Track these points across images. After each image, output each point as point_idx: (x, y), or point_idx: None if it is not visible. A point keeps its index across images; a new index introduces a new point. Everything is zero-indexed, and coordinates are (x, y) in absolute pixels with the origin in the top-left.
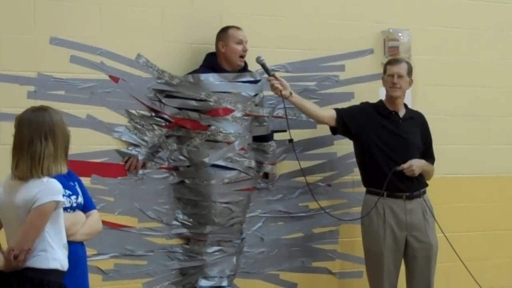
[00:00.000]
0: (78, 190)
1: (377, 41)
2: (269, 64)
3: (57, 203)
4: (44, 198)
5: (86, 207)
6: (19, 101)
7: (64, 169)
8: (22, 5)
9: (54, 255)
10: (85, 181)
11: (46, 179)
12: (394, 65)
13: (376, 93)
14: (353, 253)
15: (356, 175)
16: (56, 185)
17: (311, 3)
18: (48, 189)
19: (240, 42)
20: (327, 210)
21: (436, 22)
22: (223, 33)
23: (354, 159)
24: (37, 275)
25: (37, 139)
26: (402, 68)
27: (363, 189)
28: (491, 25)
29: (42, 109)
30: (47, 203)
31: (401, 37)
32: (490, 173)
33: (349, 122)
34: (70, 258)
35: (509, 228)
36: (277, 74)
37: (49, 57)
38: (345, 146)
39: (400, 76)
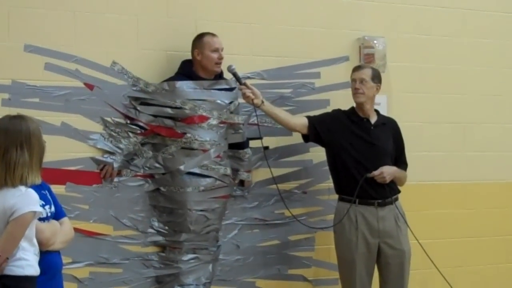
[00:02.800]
0: (50, 198)
1: (353, 49)
2: (244, 72)
3: (35, 213)
4: (23, 209)
5: (57, 215)
6: None
7: (38, 180)
8: None
9: (29, 262)
10: (60, 188)
11: (23, 188)
12: (356, 71)
13: (351, 100)
14: (329, 260)
15: (331, 182)
16: (34, 195)
17: (286, 10)
18: (26, 199)
19: (216, 50)
20: (302, 218)
21: (411, 29)
22: (199, 41)
23: None
24: (12, 283)
25: (12, 147)
26: (364, 74)
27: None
28: (466, 32)
29: (20, 117)
30: (26, 213)
31: (376, 45)
32: (465, 180)
33: (320, 129)
34: (50, 267)
35: (484, 235)
36: (252, 81)
37: (24, 65)
38: (320, 153)
39: (362, 82)
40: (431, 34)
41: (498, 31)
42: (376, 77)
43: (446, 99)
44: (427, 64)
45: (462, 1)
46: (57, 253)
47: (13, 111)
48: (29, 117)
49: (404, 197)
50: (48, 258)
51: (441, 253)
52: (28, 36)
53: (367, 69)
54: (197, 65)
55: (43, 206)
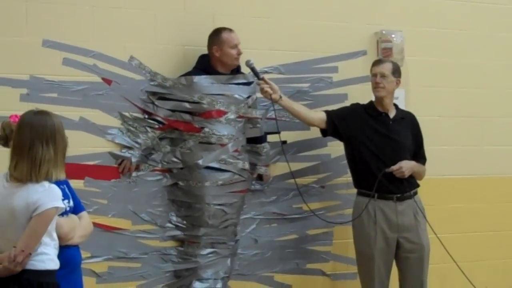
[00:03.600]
0: (68, 193)
1: (370, 43)
2: (262, 66)
3: (57, 208)
4: (46, 204)
5: (76, 209)
6: (12, 104)
7: (63, 176)
8: (14, 8)
9: (49, 256)
10: (79, 183)
11: (47, 184)
12: (376, 65)
13: (369, 94)
14: (347, 254)
15: (349, 176)
16: (57, 190)
17: (304, 4)
18: (49, 195)
19: (235, 46)
20: (320, 212)
21: (429, 23)
22: (216, 37)
23: None
24: (34, 277)
25: (38, 143)
26: (384, 68)
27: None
28: (484, 26)
29: (45, 113)
30: (49, 209)
31: (394, 39)
32: (483, 174)
33: (339, 124)
34: (69, 261)
35: (502, 229)
36: (270, 76)
37: (42, 60)
38: (338, 148)
39: (383, 76)
40: (449, 27)
41: None
42: (396, 71)
43: (464, 93)
44: (445, 58)
45: None
46: (76, 247)
47: (32, 106)
48: (53, 113)
49: (422, 191)
50: (67, 252)
51: (459, 247)
52: (46, 31)
53: (388, 63)
54: (215, 60)
55: (62, 200)
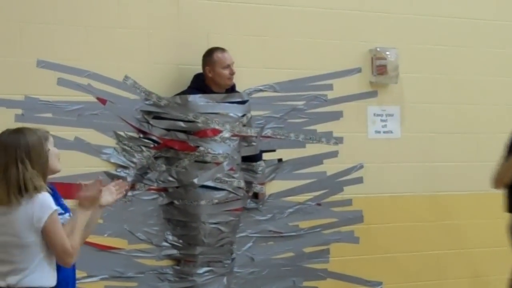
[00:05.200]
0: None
1: (365, 60)
2: (256, 84)
3: (56, 210)
4: (44, 215)
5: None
6: (6, 124)
7: (44, 190)
8: (8, 28)
9: (47, 273)
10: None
11: (33, 198)
12: None
13: (364, 111)
14: (344, 271)
15: (345, 194)
16: (45, 197)
17: (298, 22)
18: (41, 205)
19: (227, 66)
20: (317, 230)
21: (424, 40)
22: (209, 58)
23: (344, 178)
24: None
25: (12, 164)
26: None
27: (353, 207)
28: (478, 42)
29: (19, 131)
30: (50, 215)
31: (389, 56)
32: (480, 190)
33: None
34: (63, 281)
35: (501, 245)
36: (264, 94)
37: (36, 80)
38: (334, 165)
39: None
40: (443, 44)
41: (511, 40)
42: None
43: (459, 109)
44: (440, 74)
45: (473, 11)
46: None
47: (26, 126)
48: (28, 129)
49: (420, 208)
50: (63, 271)
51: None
52: (40, 52)
53: None
54: (209, 80)
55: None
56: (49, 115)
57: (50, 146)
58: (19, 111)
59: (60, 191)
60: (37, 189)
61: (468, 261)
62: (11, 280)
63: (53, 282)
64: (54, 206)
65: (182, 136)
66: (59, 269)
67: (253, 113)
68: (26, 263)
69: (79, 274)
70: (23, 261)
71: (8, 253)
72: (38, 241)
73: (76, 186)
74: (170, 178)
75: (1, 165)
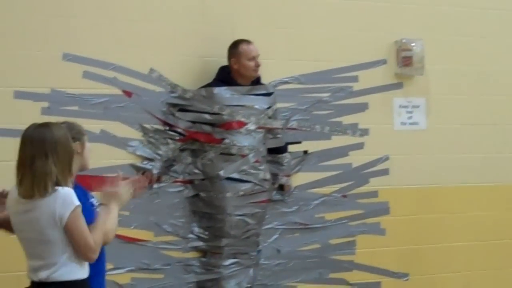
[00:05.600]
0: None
1: (390, 52)
2: (281, 76)
3: (79, 206)
4: (66, 212)
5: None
6: (33, 118)
7: (69, 185)
8: (34, 22)
9: (77, 265)
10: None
11: (55, 193)
12: None
13: (390, 103)
14: (371, 263)
15: (371, 185)
16: (67, 192)
17: (323, 14)
18: (63, 200)
19: (252, 58)
20: (343, 221)
21: (449, 31)
22: (234, 50)
23: (370, 170)
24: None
25: (38, 158)
26: None
27: (379, 199)
28: (505, 33)
29: (45, 125)
30: (73, 211)
31: (414, 47)
32: (507, 181)
33: None
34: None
35: None
36: (289, 86)
37: (62, 73)
38: (359, 157)
39: None
40: (470, 35)
41: None
42: None
43: (485, 101)
44: (466, 65)
45: (500, 2)
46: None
47: (53, 119)
48: (54, 124)
49: (445, 200)
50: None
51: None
52: (66, 45)
53: None
54: (234, 72)
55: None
56: (75, 108)
57: (87, 142)
58: (46, 104)
59: (86, 184)
60: (60, 184)
61: (495, 253)
62: (42, 275)
63: (84, 274)
64: (76, 202)
65: (207, 128)
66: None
67: (279, 105)
68: (55, 258)
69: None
70: (51, 256)
71: (36, 249)
72: (63, 237)
73: (101, 179)
74: (196, 171)
75: (27, 158)
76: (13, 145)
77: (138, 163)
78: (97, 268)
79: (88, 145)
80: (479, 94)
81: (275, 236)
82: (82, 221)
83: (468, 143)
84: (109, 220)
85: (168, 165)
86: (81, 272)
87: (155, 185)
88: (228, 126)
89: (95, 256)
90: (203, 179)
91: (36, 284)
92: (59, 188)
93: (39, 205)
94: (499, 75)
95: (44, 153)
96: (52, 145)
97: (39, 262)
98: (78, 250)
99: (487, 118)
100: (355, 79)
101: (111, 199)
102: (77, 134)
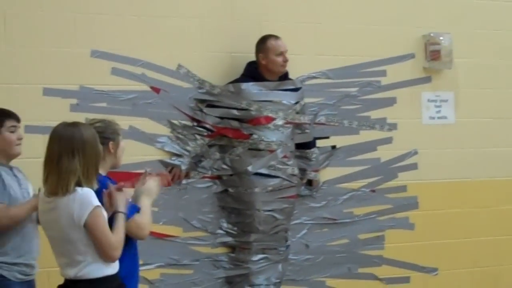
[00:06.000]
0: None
1: (418, 46)
2: (309, 71)
3: (98, 206)
4: (85, 213)
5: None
6: (62, 114)
7: (94, 186)
8: (62, 19)
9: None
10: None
11: (74, 194)
12: None
13: (418, 97)
14: (400, 258)
15: (400, 180)
16: (85, 193)
17: (350, 8)
18: (81, 202)
19: (280, 53)
20: (372, 216)
21: (478, 24)
22: (262, 45)
23: (398, 164)
24: (94, 285)
25: (65, 155)
26: None
27: (407, 194)
28: None
29: (74, 124)
30: (91, 212)
31: (443, 41)
32: None
33: None
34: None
35: None
36: (318, 81)
37: (91, 70)
38: (388, 152)
39: None
40: (497, 28)
41: None
42: None
43: None
44: (494, 59)
45: None
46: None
47: (81, 116)
48: (83, 124)
49: (475, 193)
50: (128, 259)
51: None
52: (94, 42)
53: None
54: (262, 67)
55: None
56: (104, 104)
57: (121, 141)
58: (74, 101)
59: (115, 180)
60: (83, 184)
61: None
62: (70, 273)
63: (113, 270)
64: (95, 202)
65: (235, 124)
66: (125, 258)
67: (306, 100)
68: (79, 256)
69: None
70: (75, 254)
71: (61, 247)
72: (83, 236)
73: (128, 175)
74: (224, 166)
75: (54, 155)
76: (42, 142)
77: (166, 159)
78: (133, 264)
79: (122, 144)
80: (507, 87)
81: (303, 231)
82: (102, 221)
83: (497, 137)
84: (144, 215)
85: (197, 160)
86: (109, 268)
87: (184, 181)
88: (256, 122)
89: (117, 254)
90: (231, 175)
91: (68, 281)
92: (78, 189)
93: (60, 204)
94: None
95: (71, 151)
96: (80, 144)
97: (65, 260)
98: (100, 249)
99: None
100: (383, 73)
101: (142, 195)
102: (112, 133)
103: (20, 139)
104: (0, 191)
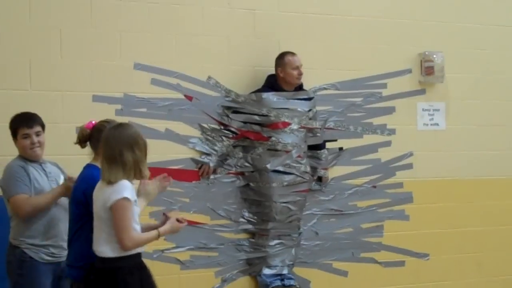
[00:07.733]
0: None
1: (415, 62)
2: (321, 83)
3: (126, 199)
4: (113, 198)
5: None
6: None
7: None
8: (110, 36)
9: None
10: None
11: (119, 182)
12: None
13: (414, 107)
14: (396, 245)
15: (397, 178)
16: (123, 184)
17: (356, 29)
18: (116, 190)
19: (296, 68)
20: (372, 208)
21: (466, 45)
22: (280, 60)
23: (396, 164)
24: (119, 263)
25: (126, 150)
26: None
27: (404, 190)
28: None
29: (123, 125)
30: (118, 201)
31: (436, 59)
32: None
33: None
34: None
35: None
36: (327, 92)
37: (133, 80)
38: (387, 153)
39: None
40: (484, 48)
41: None
42: None
43: (497, 105)
44: (480, 74)
45: (511, 20)
46: None
47: (125, 119)
48: (127, 124)
49: (460, 191)
50: None
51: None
52: (136, 56)
53: None
54: (280, 79)
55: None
56: (144, 110)
57: None
58: (119, 107)
59: (153, 175)
60: (139, 175)
61: (504, 237)
62: (103, 249)
63: (140, 249)
64: (125, 194)
65: (257, 128)
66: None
67: (318, 108)
68: (112, 235)
69: (169, 245)
70: (109, 232)
71: (100, 222)
72: (107, 218)
73: (167, 171)
74: (246, 164)
75: (116, 153)
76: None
77: (197, 157)
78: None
79: None
80: (491, 99)
81: (314, 221)
82: (125, 213)
83: (482, 141)
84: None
85: (223, 159)
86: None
87: (212, 176)
88: (274, 126)
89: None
90: (252, 171)
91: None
92: (122, 181)
93: (105, 188)
94: (509, 83)
95: (130, 146)
96: (134, 139)
97: (102, 235)
98: (116, 236)
99: (498, 119)
100: (384, 86)
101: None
102: None
103: (33, 143)
104: (26, 184)
